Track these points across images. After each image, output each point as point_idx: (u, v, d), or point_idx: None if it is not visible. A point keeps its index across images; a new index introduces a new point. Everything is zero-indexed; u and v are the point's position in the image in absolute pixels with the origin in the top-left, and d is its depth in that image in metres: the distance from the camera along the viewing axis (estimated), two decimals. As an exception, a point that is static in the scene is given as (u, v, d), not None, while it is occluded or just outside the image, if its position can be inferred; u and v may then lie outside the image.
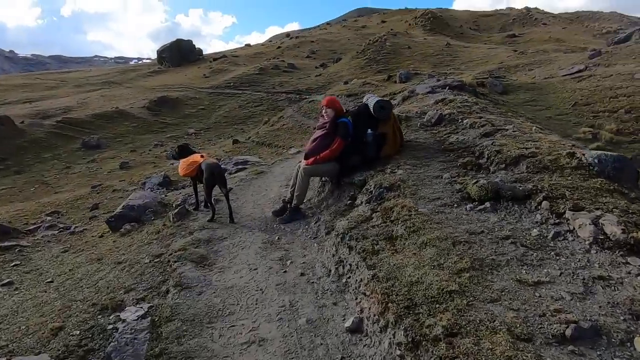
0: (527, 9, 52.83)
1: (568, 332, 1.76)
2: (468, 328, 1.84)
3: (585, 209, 2.49)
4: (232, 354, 2.52)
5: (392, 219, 3.11)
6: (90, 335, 2.95)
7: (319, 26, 77.59)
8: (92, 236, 6.00)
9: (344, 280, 3.01)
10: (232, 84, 30.58)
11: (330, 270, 3.22)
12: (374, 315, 2.30)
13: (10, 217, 8.43)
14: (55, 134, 21.41)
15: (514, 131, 4.18)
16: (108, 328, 2.99)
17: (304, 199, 4.69)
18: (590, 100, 11.62)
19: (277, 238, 4.18)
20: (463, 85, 11.09)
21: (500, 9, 58.04)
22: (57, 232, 6.74)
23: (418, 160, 4.19)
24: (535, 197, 2.80)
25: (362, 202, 3.75)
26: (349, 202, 4.16)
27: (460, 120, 5.05)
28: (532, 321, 1.86)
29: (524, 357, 1.63)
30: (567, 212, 2.52)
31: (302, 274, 3.34)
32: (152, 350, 2.63)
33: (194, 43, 46.10)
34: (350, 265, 2.97)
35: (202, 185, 5.00)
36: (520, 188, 2.92)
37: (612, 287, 2.03)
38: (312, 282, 3.19)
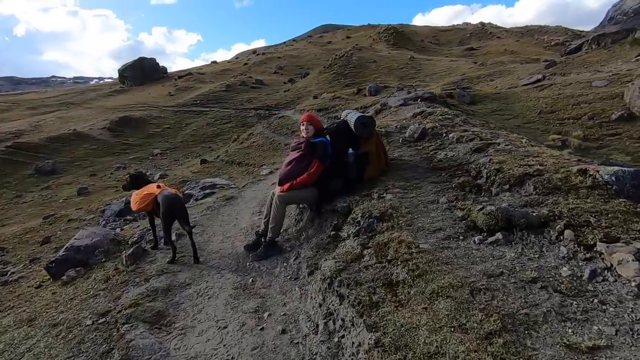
0: (482, 23, 55.85)
1: None
2: None
3: (621, 239, 2.09)
4: None
5: (388, 258, 2.59)
6: None
7: (285, 42, 78.00)
8: (29, 286, 5.03)
9: (335, 340, 2.43)
10: (198, 101, 29.57)
11: (317, 325, 2.63)
12: (384, 401, 1.74)
13: None
14: (4, 160, 19.41)
15: (506, 145, 3.84)
16: None
17: (280, 231, 4.09)
18: (555, 108, 11.97)
19: (250, 281, 3.54)
20: (434, 97, 11.08)
21: (457, 24, 61.00)
22: (-13, 281, 5.68)
23: (407, 181, 3.74)
24: (554, 225, 2.39)
25: (349, 235, 3.22)
26: (332, 232, 3.62)
27: (445, 135, 4.70)
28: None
29: None
30: (599, 243, 2.11)
31: (283, 332, 2.73)
32: None
33: (157, 61, 44.56)
34: (343, 320, 2.41)
35: (160, 219, 4.29)
36: (534, 214, 2.50)
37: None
38: (297, 343, 2.58)
